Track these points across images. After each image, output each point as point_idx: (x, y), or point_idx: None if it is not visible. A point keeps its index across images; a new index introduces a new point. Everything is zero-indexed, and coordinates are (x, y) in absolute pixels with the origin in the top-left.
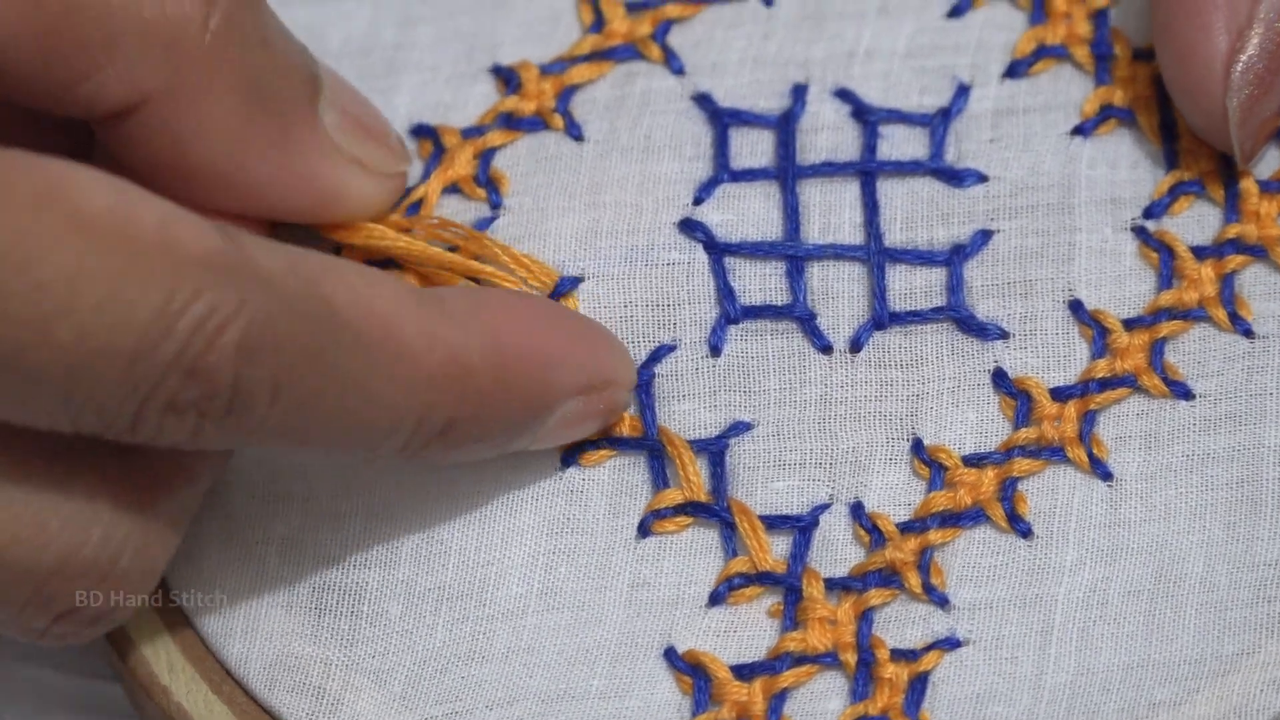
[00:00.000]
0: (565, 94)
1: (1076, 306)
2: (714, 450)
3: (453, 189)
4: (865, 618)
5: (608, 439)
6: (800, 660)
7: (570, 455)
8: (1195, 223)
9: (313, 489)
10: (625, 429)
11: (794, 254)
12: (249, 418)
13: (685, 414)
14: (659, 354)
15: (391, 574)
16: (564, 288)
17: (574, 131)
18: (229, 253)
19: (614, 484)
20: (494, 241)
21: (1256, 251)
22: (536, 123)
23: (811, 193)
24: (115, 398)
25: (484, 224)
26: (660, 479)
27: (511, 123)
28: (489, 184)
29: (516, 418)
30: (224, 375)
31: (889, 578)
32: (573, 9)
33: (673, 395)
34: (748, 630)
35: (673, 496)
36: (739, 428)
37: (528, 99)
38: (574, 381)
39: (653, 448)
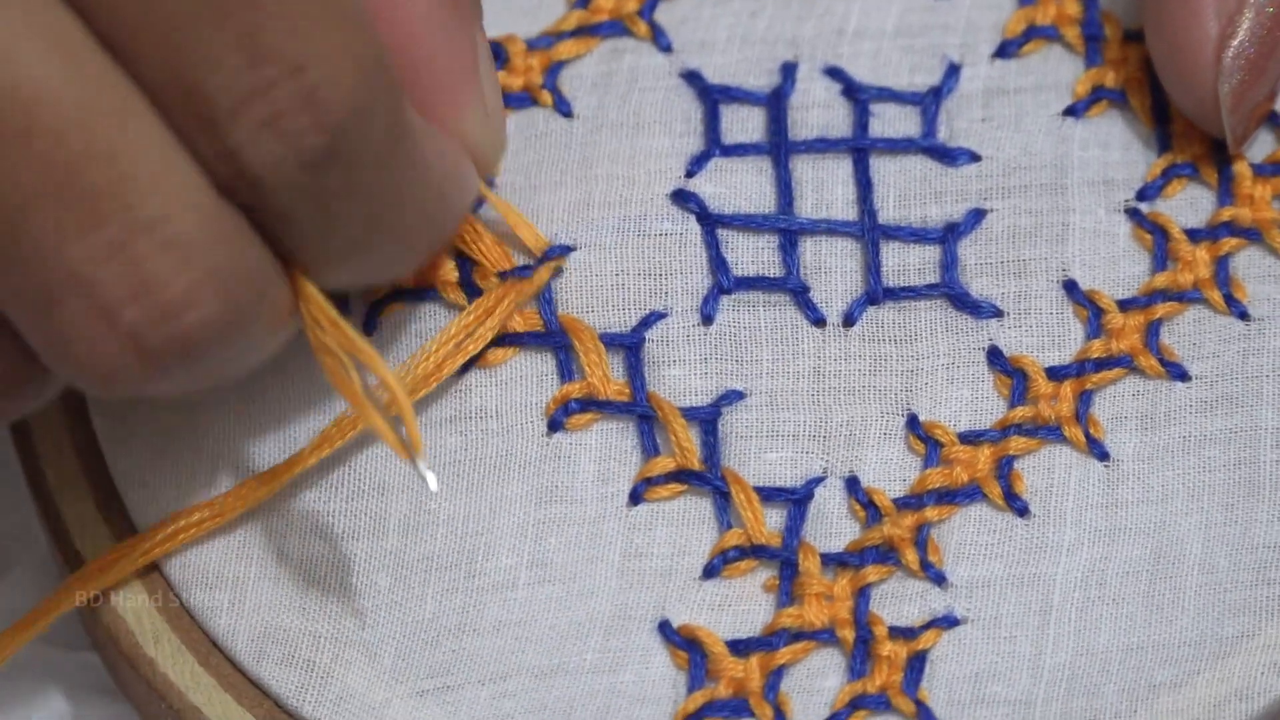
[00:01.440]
0: (552, 70)
1: (1071, 287)
2: (706, 418)
3: None
4: (863, 594)
5: (594, 402)
6: (797, 636)
7: (556, 420)
8: (1189, 205)
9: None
10: (611, 392)
11: (787, 227)
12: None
13: (676, 379)
14: (650, 320)
15: (379, 544)
16: (554, 254)
17: (563, 108)
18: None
19: (602, 449)
20: (497, 199)
21: (1251, 235)
22: (524, 99)
23: (804, 169)
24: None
25: (477, 203)
26: (650, 445)
27: None
28: None
29: None
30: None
31: (886, 554)
32: None
33: (663, 361)
34: (742, 604)
35: (665, 464)
36: (731, 396)
37: (515, 74)
38: None
39: (642, 413)
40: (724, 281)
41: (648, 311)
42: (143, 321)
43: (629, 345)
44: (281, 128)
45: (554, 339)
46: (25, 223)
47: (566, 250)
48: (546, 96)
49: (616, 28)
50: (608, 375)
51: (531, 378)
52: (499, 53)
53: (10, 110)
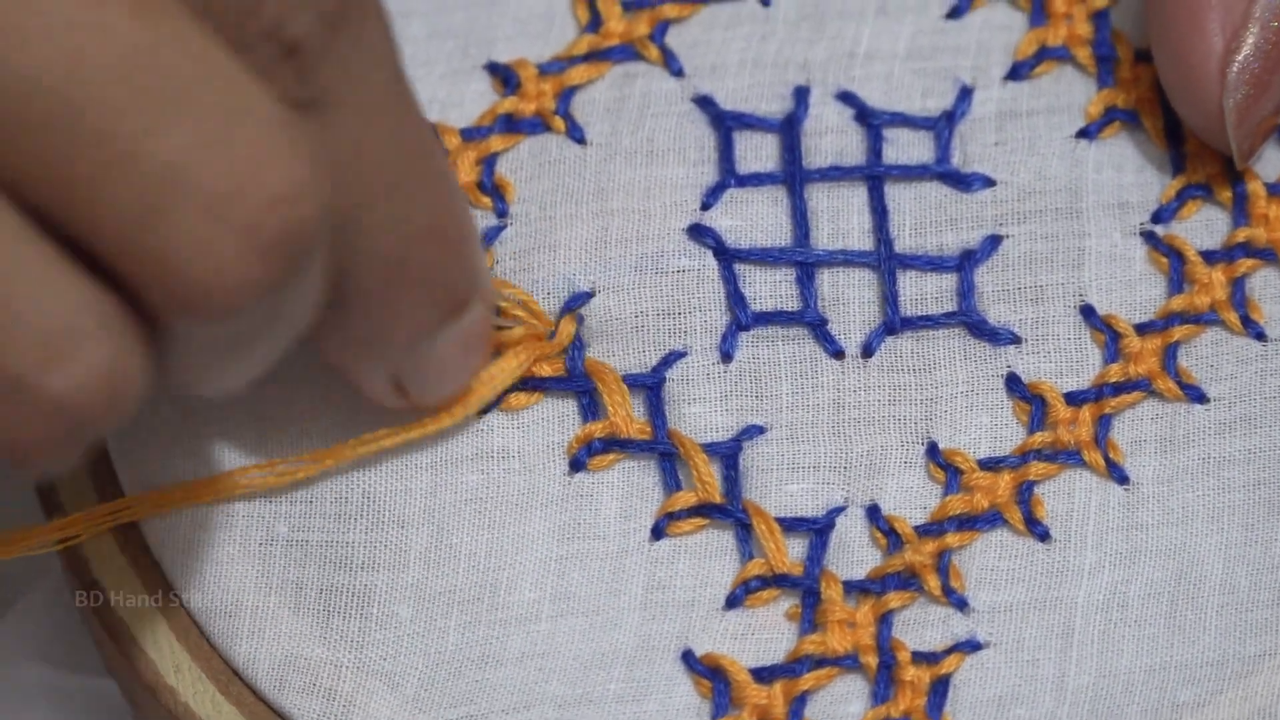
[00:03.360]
0: (565, 95)
1: (1088, 311)
2: (727, 453)
3: None
4: (885, 620)
5: (617, 441)
6: (820, 663)
7: (578, 460)
8: (1204, 227)
9: (315, 490)
10: (634, 431)
11: (804, 260)
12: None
13: (696, 417)
14: (669, 360)
15: (401, 576)
16: (575, 305)
17: (576, 134)
18: None
19: (624, 487)
20: (501, 282)
21: (1266, 255)
22: (537, 124)
23: (819, 198)
24: None
25: (493, 234)
26: (672, 481)
27: (512, 125)
28: (494, 191)
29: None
30: None
31: (908, 580)
32: (567, 7)
33: (683, 399)
34: (765, 633)
35: (686, 498)
36: (751, 431)
37: (527, 100)
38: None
39: (664, 450)
40: (742, 318)
41: (667, 351)
42: (255, 212)
43: (650, 385)
44: None
45: (578, 383)
46: (117, 120)
47: (586, 297)
48: (559, 122)
49: (628, 52)
50: (630, 415)
51: (553, 418)
52: (510, 77)
53: None
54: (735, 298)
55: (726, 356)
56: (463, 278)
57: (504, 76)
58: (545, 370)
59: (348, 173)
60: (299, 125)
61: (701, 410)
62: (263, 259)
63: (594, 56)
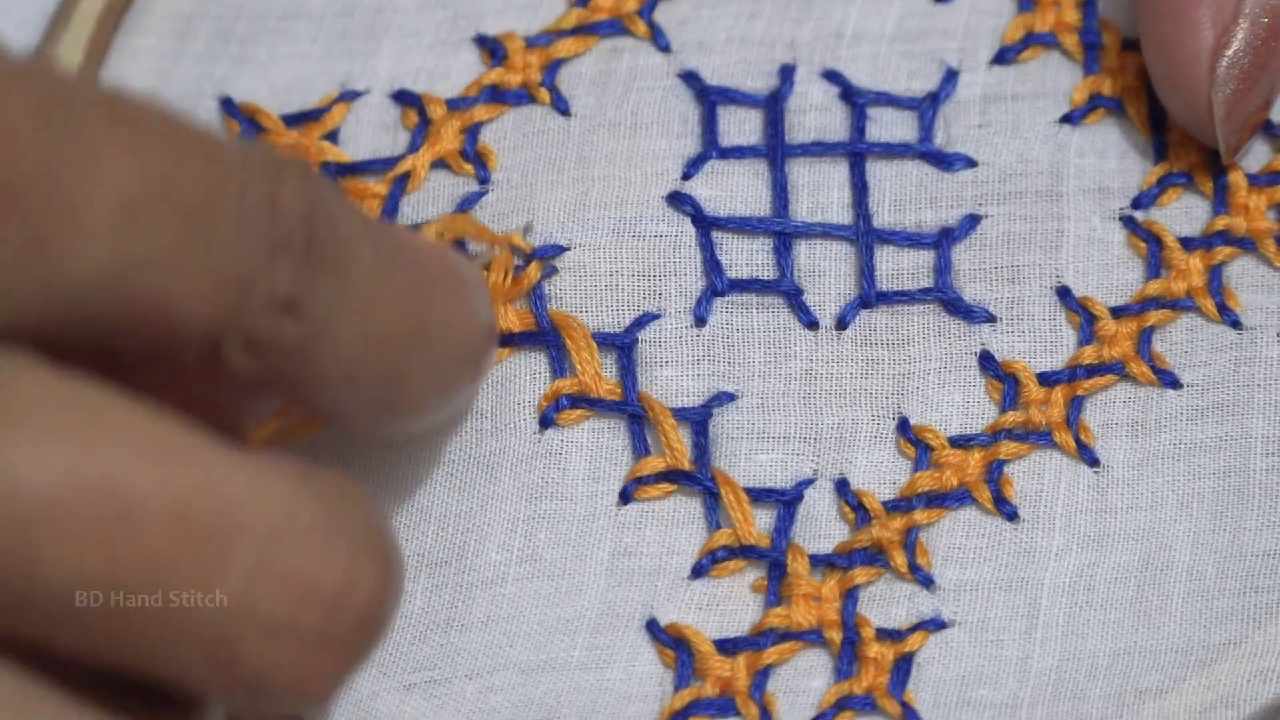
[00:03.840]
0: (551, 67)
1: (1064, 293)
2: (696, 419)
3: (440, 163)
4: (850, 596)
5: (585, 399)
6: (784, 637)
7: (547, 417)
8: (1183, 214)
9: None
10: (603, 391)
11: (782, 230)
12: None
13: (667, 380)
14: (643, 321)
15: None
16: (546, 254)
17: (560, 105)
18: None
19: (593, 448)
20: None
21: (1245, 244)
22: (522, 96)
23: (800, 172)
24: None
25: (472, 199)
26: (641, 445)
27: (497, 95)
28: (476, 159)
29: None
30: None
31: (874, 556)
32: None
33: (655, 361)
34: (730, 604)
35: (655, 464)
36: (722, 398)
37: (514, 71)
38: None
39: (633, 413)
40: (718, 284)
41: (641, 312)
42: (323, 618)
43: (622, 346)
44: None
45: (546, 337)
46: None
47: (559, 250)
48: (544, 94)
49: (615, 27)
50: (600, 374)
51: (524, 376)
52: (498, 50)
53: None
54: (711, 264)
55: (700, 320)
56: (487, 321)
57: (491, 49)
58: (514, 324)
59: (366, 333)
60: (335, 505)
61: (673, 374)
62: (341, 651)
63: (582, 30)
